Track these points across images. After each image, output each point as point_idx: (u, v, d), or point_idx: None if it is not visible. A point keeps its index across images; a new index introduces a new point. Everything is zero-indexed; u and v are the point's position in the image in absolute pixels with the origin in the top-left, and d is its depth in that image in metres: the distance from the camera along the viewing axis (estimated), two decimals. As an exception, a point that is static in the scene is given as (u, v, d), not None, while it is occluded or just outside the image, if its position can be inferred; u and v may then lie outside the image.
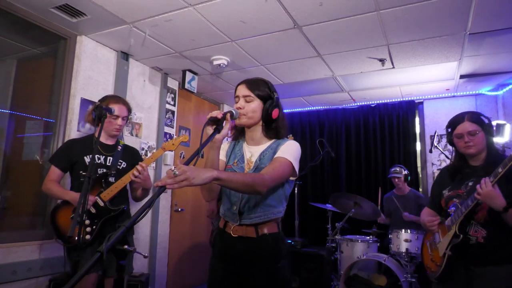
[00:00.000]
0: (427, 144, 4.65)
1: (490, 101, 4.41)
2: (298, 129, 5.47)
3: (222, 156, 1.67)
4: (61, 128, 2.94)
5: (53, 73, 3.02)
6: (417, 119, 4.84)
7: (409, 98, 4.79)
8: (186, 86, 3.75)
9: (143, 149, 3.64)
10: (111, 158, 2.37)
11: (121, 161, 2.41)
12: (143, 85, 3.71)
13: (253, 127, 1.63)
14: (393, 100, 4.89)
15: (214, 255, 1.67)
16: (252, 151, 1.64)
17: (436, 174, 4.49)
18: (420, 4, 2.45)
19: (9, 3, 2.56)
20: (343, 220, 3.75)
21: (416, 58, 3.38)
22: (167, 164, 3.93)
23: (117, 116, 2.33)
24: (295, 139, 1.70)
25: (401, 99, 4.84)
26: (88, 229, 2.17)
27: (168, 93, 4.04)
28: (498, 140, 3.74)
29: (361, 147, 5.03)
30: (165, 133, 3.96)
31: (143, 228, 3.61)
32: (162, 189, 1.13)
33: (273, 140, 1.64)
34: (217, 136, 1.43)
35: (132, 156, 2.50)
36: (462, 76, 3.90)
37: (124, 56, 3.42)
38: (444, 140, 4.44)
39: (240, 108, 1.57)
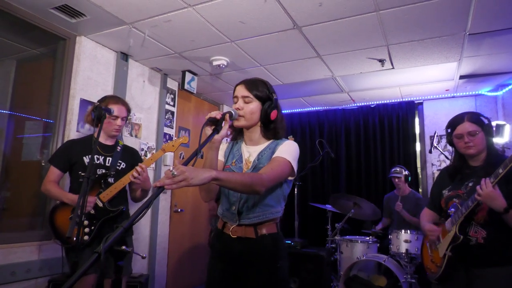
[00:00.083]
0: (427, 144, 4.64)
1: (490, 102, 4.41)
2: (298, 130, 5.46)
3: (220, 156, 1.67)
4: (61, 129, 2.94)
5: (53, 74, 3.02)
6: (416, 120, 4.83)
7: (409, 99, 4.78)
8: (186, 86, 3.75)
9: (142, 149, 3.63)
10: (111, 158, 2.36)
11: (121, 161, 2.40)
12: (143, 86, 3.71)
13: (252, 128, 1.63)
14: (393, 100, 4.88)
15: (212, 256, 1.67)
16: (250, 151, 1.64)
17: (436, 175, 4.50)
18: (420, 5, 2.45)
19: (8, 4, 2.56)
20: (343, 220, 3.76)
21: (416, 58, 3.38)
22: (166, 165, 3.92)
23: (117, 117, 2.33)
24: (295, 139, 1.69)
25: (401, 100, 4.84)
26: (87, 229, 2.16)
27: (168, 94, 4.03)
28: (497, 140, 3.74)
29: (361, 148, 5.03)
30: (165, 134, 3.95)
31: (142, 229, 3.60)
32: (160, 189, 1.13)
33: (271, 140, 1.64)
34: (216, 136, 1.43)
35: (132, 157, 2.49)
36: (461, 77, 3.90)
37: (124, 56, 3.41)
38: (443, 141, 4.43)
39: (239, 109, 1.56)
